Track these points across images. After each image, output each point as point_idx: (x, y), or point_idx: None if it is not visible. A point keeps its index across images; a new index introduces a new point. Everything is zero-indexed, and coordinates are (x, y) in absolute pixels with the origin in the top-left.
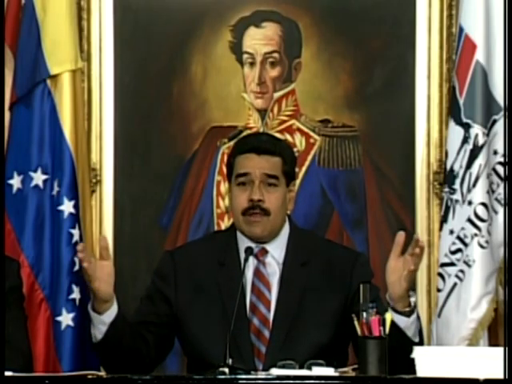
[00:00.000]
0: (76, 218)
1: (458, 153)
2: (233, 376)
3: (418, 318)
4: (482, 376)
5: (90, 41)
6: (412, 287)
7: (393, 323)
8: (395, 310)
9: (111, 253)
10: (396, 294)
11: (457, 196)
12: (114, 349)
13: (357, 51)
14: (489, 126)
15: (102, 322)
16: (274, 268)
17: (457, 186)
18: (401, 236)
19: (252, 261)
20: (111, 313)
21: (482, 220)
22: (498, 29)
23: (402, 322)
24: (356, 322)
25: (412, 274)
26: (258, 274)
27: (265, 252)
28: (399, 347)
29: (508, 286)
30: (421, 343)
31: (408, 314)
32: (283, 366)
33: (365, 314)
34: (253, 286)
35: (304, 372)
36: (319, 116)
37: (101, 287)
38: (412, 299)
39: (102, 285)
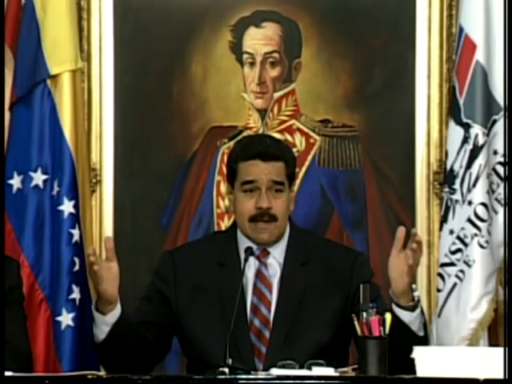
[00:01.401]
0: (76, 218)
1: (458, 153)
2: (233, 376)
3: (422, 312)
4: (482, 376)
5: (90, 41)
6: (414, 281)
7: (397, 319)
8: (399, 306)
9: None
10: (398, 289)
11: (457, 196)
12: (115, 349)
13: (357, 51)
14: (489, 126)
15: (106, 322)
16: (275, 268)
17: (457, 186)
18: (401, 231)
19: (253, 262)
20: (115, 313)
21: (482, 220)
22: (498, 29)
23: (406, 316)
24: (356, 322)
25: (413, 268)
26: (259, 275)
27: (266, 253)
28: (404, 342)
29: (508, 285)
30: (425, 338)
31: (412, 309)
32: (283, 366)
33: (365, 314)
34: (254, 288)
35: (304, 372)
36: (319, 116)
37: (107, 289)
38: (415, 294)
39: (109, 286)
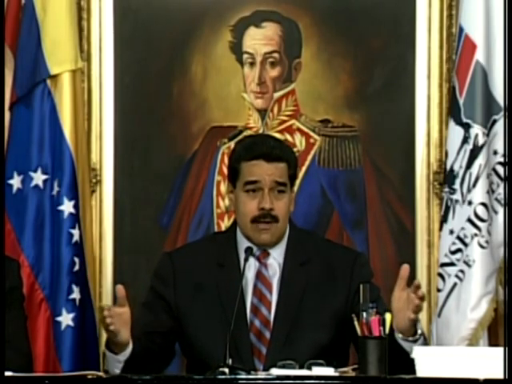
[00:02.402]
0: (76, 218)
1: (458, 153)
2: (233, 376)
3: (425, 339)
4: (482, 376)
5: (90, 41)
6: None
7: (398, 344)
8: (401, 334)
9: (111, 255)
10: (400, 325)
11: (457, 196)
12: (127, 369)
13: (357, 51)
14: (489, 125)
15: (118, 360)
16: (274, 269)
17: (457, 185)
18: (405, 270)
19: (254, 263)
20: (127, 352)
21: (482, 220)
22: (498, 29)
23: (407, 346)
24: (356, 322)
25: (416, 313)
26: (259, 276)
27: (267, 254)
28: (403, 364)
29: (508, 285)
30: None
31: (414, 341)
32: (283, 366)
33: (365, 314)
34: (255, 289)
35: (304, 372)
36: (319, 116)
37: (121, 333)
38: (419, 329)
39: (122, 331)
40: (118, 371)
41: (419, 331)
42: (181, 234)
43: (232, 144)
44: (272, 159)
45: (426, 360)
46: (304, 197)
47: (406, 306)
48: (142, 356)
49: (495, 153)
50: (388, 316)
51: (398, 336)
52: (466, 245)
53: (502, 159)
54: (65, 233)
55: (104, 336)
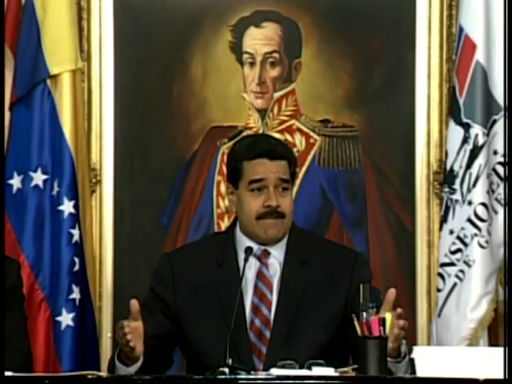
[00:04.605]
0: (76, 218)
1: (458, 153)
2: (233, 376)
3: (411, 359)
4: (482, 376)
5: (90, 41)
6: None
7: None
8: None
9: (111, 255)
10: None
11: (457, 196)
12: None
13: (357, 51)
14: (489, 126)
15: (129, 372)
16: (275, 268)
17: (457, 186)
18: (391, 294)
19: (254, 263)
20: (138, 363)
21: (482, 220)
22: (498, 29)
23: (392, 365)
24: (356, 322)
25: (398, 337)
26: (260, 276)
27: (267, 254)
28: None
29: (508, 286)
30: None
31: (399, 361)
32: (283, 366)
33: (365, 314)
34: (255, 288)
35: (304, 372)
36: (319, 116)
37: (136, 347)
38: (402, 348)
39: (137, 345)
40: None
41: (403, 353)
42: (181, 234)
43: (232, 145)
44: (275, 157)
45: (426, 360)
46: (304, 197)
47: (388, 331)
48: (146, 363)
49: (495, 153)
50: (388, 316)
51: None
52: (466, 245)
53: (501, 159)
54: (65, 233)
55: (104, 336)
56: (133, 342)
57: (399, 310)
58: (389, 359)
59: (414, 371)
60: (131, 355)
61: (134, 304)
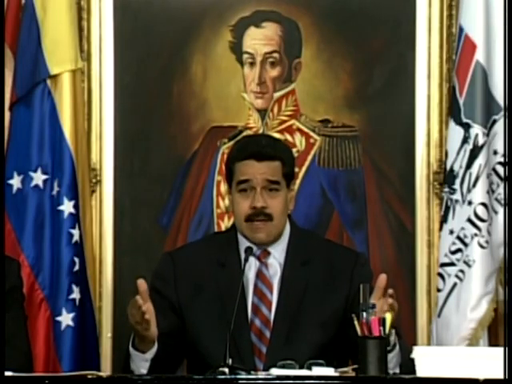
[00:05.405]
0: (76, 218)
1: (458, 153)
2: (233, 376)
3: (401, 350)
4: (481, 376)
5: (90, 41)
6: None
7: None
8: None
9: (111, 255)
10: None
11: (457, 196)
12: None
13: (357, 51)
14: (489, 126)
15: (145, 359)
16: (275, 268)
17: (457, 186)
18: (382, 279)
19: (254, 262)
20: (154, 349)
21: (482, 220)
22: (498, 29)
23: None
24: (356, 322)
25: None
26: (260, 275)
27: (267, 254)
28: None
29: (508, 286)
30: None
31: (388, 351)
32: (283, 366)
33: (365, 314)
34: (255, 288)
35: (304, 372)
36: (319, 116)
37: (151, 323)
38: (391, 338)
39: (151, 322)
40: (144, 371)
41: (392, 342)
42: (181, 233)
43: (231, 145)
44: (263, 158)
45: (426, 360)
46: (304, 197)
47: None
48: (162, 358)
49: (495, 153)
50: (388, 316)
51: None
52: (466, 245)
53: (501, 159)
54: (65, 233)
55: (104, 336)
56: (148, 315)
57: (390, 291)
58: None
59: (413, 371)
60: (146, 334)
61: (141, 284)
